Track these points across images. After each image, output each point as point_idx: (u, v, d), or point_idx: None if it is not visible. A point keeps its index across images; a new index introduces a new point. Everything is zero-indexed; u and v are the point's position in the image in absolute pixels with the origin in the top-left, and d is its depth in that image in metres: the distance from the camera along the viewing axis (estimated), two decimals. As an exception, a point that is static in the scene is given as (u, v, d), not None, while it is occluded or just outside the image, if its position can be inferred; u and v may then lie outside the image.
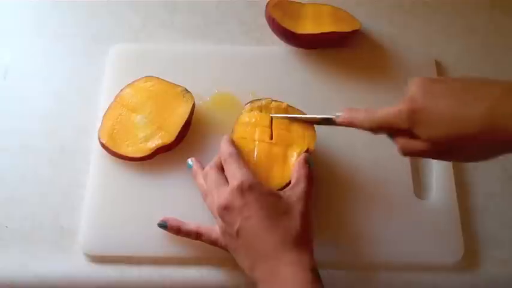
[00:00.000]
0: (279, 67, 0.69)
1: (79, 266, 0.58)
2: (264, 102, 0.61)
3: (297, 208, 0.53)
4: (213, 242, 0.56)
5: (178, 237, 0.58)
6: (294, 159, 0.58)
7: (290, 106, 0.61)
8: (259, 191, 0.52)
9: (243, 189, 0.52)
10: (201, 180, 0.58)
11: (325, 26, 0.69)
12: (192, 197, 0.60)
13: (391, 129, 0.50)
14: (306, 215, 0.53)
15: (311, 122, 0.60)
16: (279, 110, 0.61)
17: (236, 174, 0.53)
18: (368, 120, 0.51)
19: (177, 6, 0.75)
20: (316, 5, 0.71)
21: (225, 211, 0.52)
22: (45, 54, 0.71)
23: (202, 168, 0.59)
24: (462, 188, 0.63)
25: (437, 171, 0.63)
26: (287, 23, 0.68)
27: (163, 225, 0.58)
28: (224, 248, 0.55)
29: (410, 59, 0.71)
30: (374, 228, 0.60)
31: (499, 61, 0.72)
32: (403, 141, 0.49)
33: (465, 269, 0.59)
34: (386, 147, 0.63)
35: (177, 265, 0.58)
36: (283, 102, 0.62)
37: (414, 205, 0.61)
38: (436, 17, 0.76)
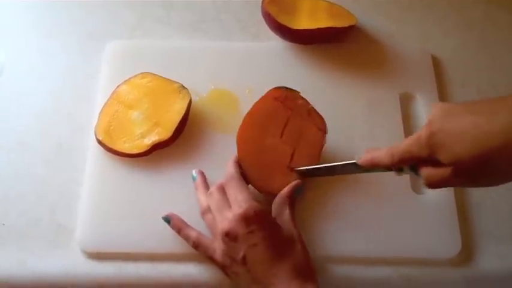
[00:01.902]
0: (275, 63, 0.69)
1: (76, 263, 0.58)
2: (293, 94, 0.61)
3: (298, 239, 0.54)
4: (209, 258, 0.56)
5: (176, 233, 0.58)
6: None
7: (313, 109, 0.61)
8: (264, 219, 0.53)
9: (247, 217, 0.52)
10: (202, 196, 0.58)
11: (321, 22, 0.69)
12: (188, 194, 0.60)
13: (413, 160, 0.48)
14: (305, 246, 0.54)
15: (333, 171, 0.57)
16: (302, 108, 0.61)
17: (238, 198, 0.53)
18: (389, 155, 0.49)
19: (173, 3, 0.75)
20: (312, 1, 0.71)
21: (228, 238, 0.52)
22: (40, 51, 0.71)
23: (205, 180, 0.60)
24: (459, 182, 0.63)
25: (434, 165, 0.63)
26: (283, 18, 0.68)
27: (167, 220, 0.58)
28: (220, 267, 0.55)
29: (406, 54, 0.71)
30: (371, 222, 0.60)
31: (495, 56, 0.73)
32: (427, 171, 0.46)
33: (462, 263, 0.59)
34: (383, 143, 0.64)
35: (174, 261, 0.58)
36: (309, 104, 0.61)
37: (411, 200, 0.61)
38: (433, 12, 0.76)
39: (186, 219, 0.59)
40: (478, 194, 0.63)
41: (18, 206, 0.61)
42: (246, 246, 0.51)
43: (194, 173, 0.61)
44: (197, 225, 0.58)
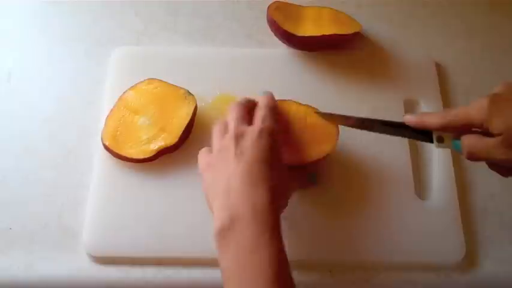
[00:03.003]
0: (280, 69, 0.70)
1: (83, 267, 0.58)
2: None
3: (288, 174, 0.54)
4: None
5: (182, 238, 0.58)
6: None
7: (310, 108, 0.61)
8: (275, 142, 0.52)
9: (263, 132, 0.52)
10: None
11: (326, 28, 0.69)
12: (194, 199, 0.60)
13: (463, 125, 0.49)
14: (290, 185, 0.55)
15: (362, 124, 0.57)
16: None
17: (266, 119, 0.53)
18: (441, 116, 0.51)
19: (179, 9, 0.76)
20: (316, 8, 0.72)
21: (236, 137, 0.52)
22: (48, 57, 0.72)
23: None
24: (463, 188, 0.64)
25: (438, 171, 0.64)
26: (288, 25, 0.69)
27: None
28: (201, 160, 0.55)
29: (410, 60, 0.71)
30: (375, 228, 0.60)
31: (498, 62, 0.73)
32: (472, 139, 0.48)
33: (466, 268, 0.59)
34: (388, 149, 0.64)
35: (181, 266, 0.58)
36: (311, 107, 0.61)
37: (415, 205, 0.62)
38: (436, 19, 0.77)
39: (192, 224, 0.59)
40: (481, 199, 0.63)
41: (25, 210, 0.61)
42: (247, 146, 0.51)
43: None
44: (204, 229, 0.58)
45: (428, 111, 0.66)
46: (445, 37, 0.75)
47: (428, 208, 0.61)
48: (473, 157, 0.48)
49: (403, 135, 0.55)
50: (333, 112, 0.59)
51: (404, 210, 0.61)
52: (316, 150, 0.58)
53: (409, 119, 0.53)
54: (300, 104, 0.61)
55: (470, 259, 0.60)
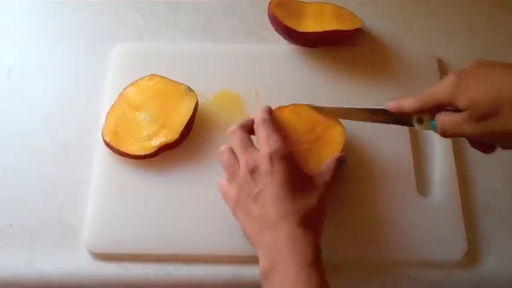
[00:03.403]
0: (282, 65, 0.70)
1: (83, 264, 0.58)
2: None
3: (318, 191, 0.53)
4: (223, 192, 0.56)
5: (182, 234, 0.58)
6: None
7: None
8: (289, 163, 0.53)
9: (274, 157, 0.52)
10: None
11: (328, 24, 0.69)
12: (195, 195, 0.60)
13: (435, 106, 0.50)
14: (324, 200, 0.54)
15: (357, 118, 0.59)
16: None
17: (270, 140, 0.53)
18: (415, 100, 0.52)
19: (180, 5, 0.76)
20: (318, 4, 0.71)
21: (252, 172, 0.52)
22: (48, 53, 0.71)
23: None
24: (464, 185, 0.63)
25: (440, 168, 0.63)
26: (289, 21, 0.68)
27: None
28: (232, 204, 0.54)
29: (412, 57, 0.71)
30: (377, 225, 0.60)
31: (500, 59, 0.71)
32: (443, 116, 0.49)
33: (468, 265, 0.59)
34: (389, 146, 0.64)
35: (181, 262, 0.58)
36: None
37: (417, 202, 0.61)
38: (438, 16, 0.76)
39: (192, 221, 0.59)
40: (483, 196, 0.63)
41: (25, 207, 0.61)
42: (264, 183, 0.51)
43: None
44: (205, 225, 0.58)
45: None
46: (447, 34, 0.75)
47: (430, 205, 0.61)
48: (446, 134, 0.50)
49: (387, 122, 0.56)
50: (320, 105, 0.60)
51: (406, 208, 0.61)
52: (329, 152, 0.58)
53: (389, 104, 0.54)
54: (300, 110, 0.61)
55: (472, 256, 0.60)
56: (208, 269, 0.58)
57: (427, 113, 0.52)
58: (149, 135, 0.62)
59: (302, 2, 0.72)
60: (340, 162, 0.57)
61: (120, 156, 0.62)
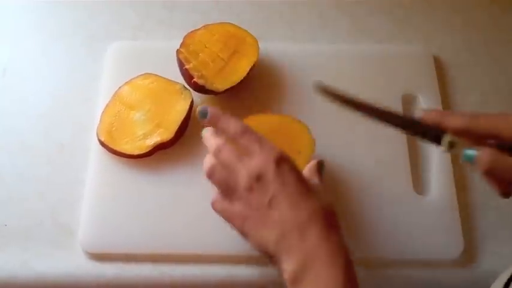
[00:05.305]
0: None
1: (79, 264, 0.58)
2: None
3: (321, 189, 0.52)
4: (228, 219, 0.52)
5: (178, 234, 0.58)
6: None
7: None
8: (293, 164, 0.50)
9: (280, 161, 0.49)
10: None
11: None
12: (190, 195, 0.60)
13: (488, 134, 0.45)
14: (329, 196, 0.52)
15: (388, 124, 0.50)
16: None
17: (266, 146, 0.50)
18: (466, 118, 0.46)
19: (175, 4, 0.75)
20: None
21: (257, 180, 0.49)
22: (43, 52, 0.71)
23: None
24: (461, 183, 0.63)
25: (437, 167, 0.63)
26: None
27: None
28: (231, 217, 0.51)
29: (409, 54, 0.71)
30: (373, 224, 0.60)
31: (498, 57, 0.72)
32: (497, 156, 0.43)
33: (464, 264, 0.59)
34: (385, 145, 0.64)
35: (177, 262, 0.58)
36: None
37: (413, 201, 0.61)
38: (435, 13, 0.76)
39: (187, 220, 0.59)
40: (479, 195, 0.63)
41: (20, 207, 0.61)
42: (276, 186, 0.48)
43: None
44: (200, 225, 0.58)
45: (427, 107, 0.65)
46: (444, 31, 0.74)
47: (426, 204, 0.61)
48: (492, 173, 0.44)
49: (413, 133, 0.50)
50: (337, 92, 0.52)
51: (402, 206, 0.61)
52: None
53: (428, 114, 0.48)
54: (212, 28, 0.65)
55: (468, 255, 0.59)
56: (204, 268, 0.58)
57: (468, 138, 0.45)
58: (144, 134, 0.62)
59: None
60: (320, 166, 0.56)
61: (115, 156, 0.62)
